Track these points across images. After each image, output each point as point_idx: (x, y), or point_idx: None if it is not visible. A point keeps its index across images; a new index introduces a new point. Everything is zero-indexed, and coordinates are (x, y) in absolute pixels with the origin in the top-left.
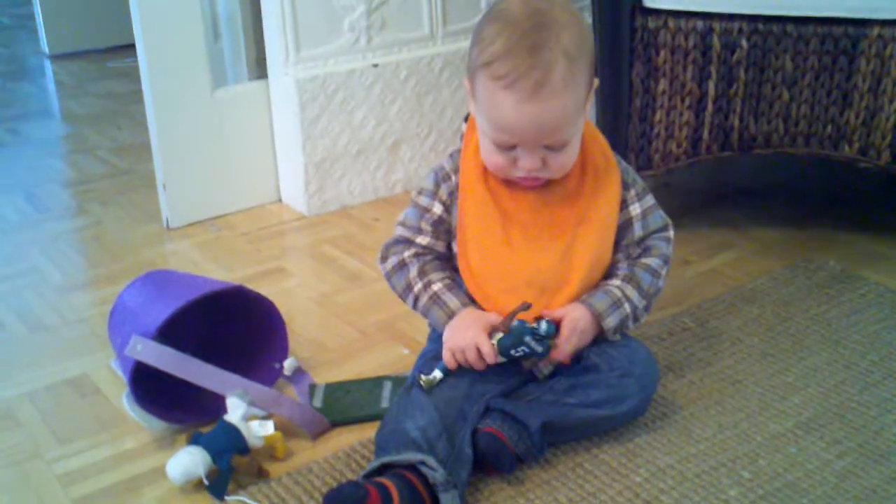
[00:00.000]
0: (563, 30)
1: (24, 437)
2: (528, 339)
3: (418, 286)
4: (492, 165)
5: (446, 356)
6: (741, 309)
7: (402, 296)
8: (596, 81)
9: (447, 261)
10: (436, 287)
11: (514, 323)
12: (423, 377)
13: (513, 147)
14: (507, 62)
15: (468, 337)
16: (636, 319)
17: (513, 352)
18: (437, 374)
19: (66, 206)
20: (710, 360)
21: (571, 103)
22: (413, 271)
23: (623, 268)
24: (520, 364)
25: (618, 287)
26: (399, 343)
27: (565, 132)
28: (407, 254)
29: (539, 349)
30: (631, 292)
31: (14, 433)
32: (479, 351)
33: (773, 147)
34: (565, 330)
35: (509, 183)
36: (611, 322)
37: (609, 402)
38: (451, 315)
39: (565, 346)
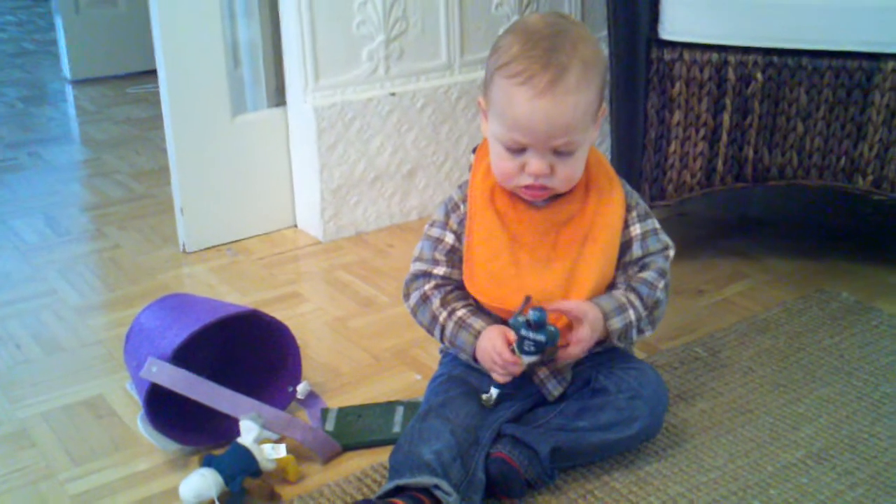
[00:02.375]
0: (579, 41)
1: (38, 457)
2: (524, 332)
3: (443, 315)
4: (501, 174)
5: (493, 375)
6: (753, 339)
7: (429, 328)
8: (604, 108)
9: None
10: (460, 313)
11: (510, 321)
12: (483, 396)
13: (523, 151)
14: (523, 62)
15: (488, 347)
16: (640, 331)
17: (525, 348)
18: (493, 391)
19: (85, 229)
20: (722, 389)
21: (583, 105)
22: (436, 302)
23: (622, 282)
24: (531, 386)
25: (622, 294)
26: (412, 369)
27: (575, 134)
28: (427, 287)
29: (541, 338)
30: (634, 299)
31: (29, 453)
32: (502, 356)
33: (787, 179)
34: (587, 325)
35: (516, 206)
36: (615, 324)
37: (619, 424)
38: (477, 335)
39: (578, 335)
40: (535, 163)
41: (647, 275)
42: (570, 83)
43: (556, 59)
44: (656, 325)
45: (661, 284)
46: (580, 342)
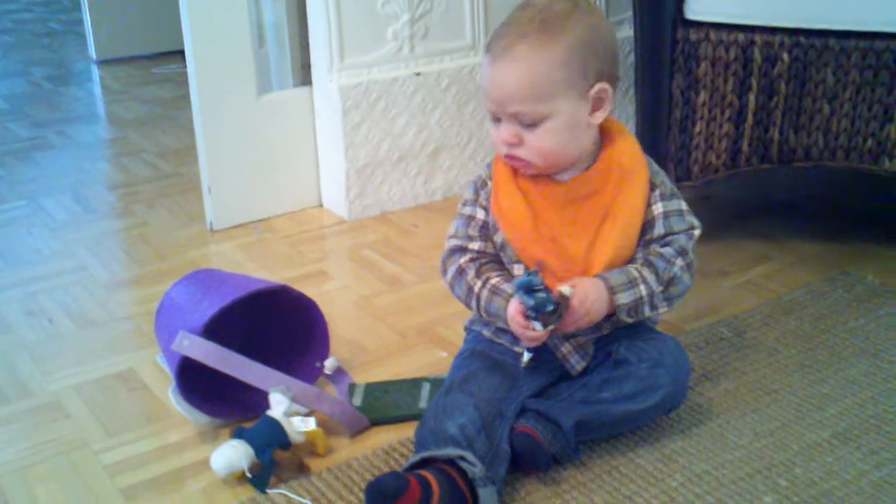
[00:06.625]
0: (570, 19)
1: (72, 428)
2: (520, 293)
3: (478, 285)
4: (494, 143)
5: (523, 341)
6: (778, 320)
7: (466, 301)
8: (605, 89)
9: (502, 263)
10: (494, 280)
11: (514, 282)
12: (522, 354)
13: (499, 120)
14: (498, 32)
15: (511, 312)
16: (653, 307)
17: (529, 313)
18: (526, 354)
19: (113, 207)
20: (747, 369)
21: (542, 75)
22: (471, 273)
23: (640, 257)
24: (554, 360)
25: (635, 268)
26: (437, 346)
27: (531, 105)
28: (463, 260)
29: (531, 301)
30: (648, 275)
31: (63, 424)
32: (514, 319)
33: (813, 160)
34: (575, 300)
35: (537, 181)
36: (623, 298)
37: (642, 393)
38: (509, 300)
39: (574, 316)
40: (501, 129)
41: (666, 251)
42: (521, 51)
43: (520, 28)
44: (673, 302)
45: (678, 262)
46: (568, 324)
